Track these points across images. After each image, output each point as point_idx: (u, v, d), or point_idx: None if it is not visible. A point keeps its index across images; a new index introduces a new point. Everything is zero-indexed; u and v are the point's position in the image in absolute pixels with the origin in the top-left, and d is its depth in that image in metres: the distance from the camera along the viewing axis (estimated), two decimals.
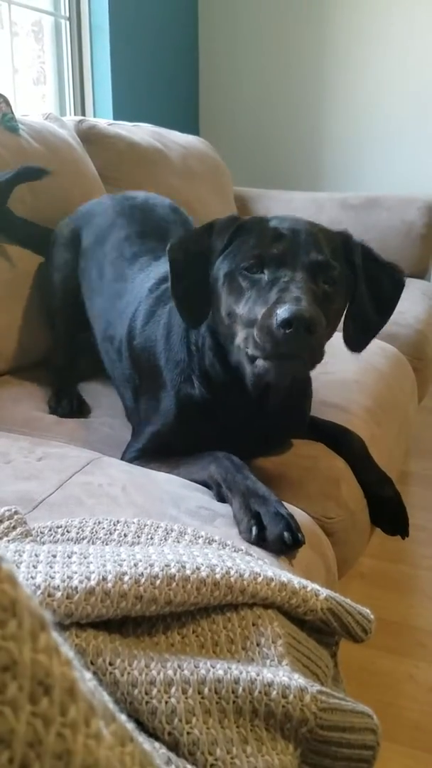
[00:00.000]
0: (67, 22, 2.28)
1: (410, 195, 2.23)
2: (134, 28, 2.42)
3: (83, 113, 2.33)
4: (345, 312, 0.94)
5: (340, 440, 1.05)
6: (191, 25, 2.92)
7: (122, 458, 0.99)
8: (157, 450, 0.99)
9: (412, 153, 2.80)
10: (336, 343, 1.42)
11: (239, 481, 0.84)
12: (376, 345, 1.50)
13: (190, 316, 0.94)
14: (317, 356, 0.84)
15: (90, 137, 1.64)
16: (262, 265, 0.86)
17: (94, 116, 2.32)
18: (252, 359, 0.85)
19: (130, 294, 1.18)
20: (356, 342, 0.97)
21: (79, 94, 2.32)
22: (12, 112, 1.38)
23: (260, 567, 0.60)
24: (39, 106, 2.29)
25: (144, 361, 1.08)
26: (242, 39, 2.94)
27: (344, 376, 1.28)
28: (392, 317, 1.68)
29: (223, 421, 0.99)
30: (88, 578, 0.54)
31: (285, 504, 0.80)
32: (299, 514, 0.85)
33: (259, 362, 0.84)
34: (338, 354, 1.38)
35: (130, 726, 0.32)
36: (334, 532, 0.92)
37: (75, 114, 2.31)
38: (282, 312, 0.78)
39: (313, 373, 1.28)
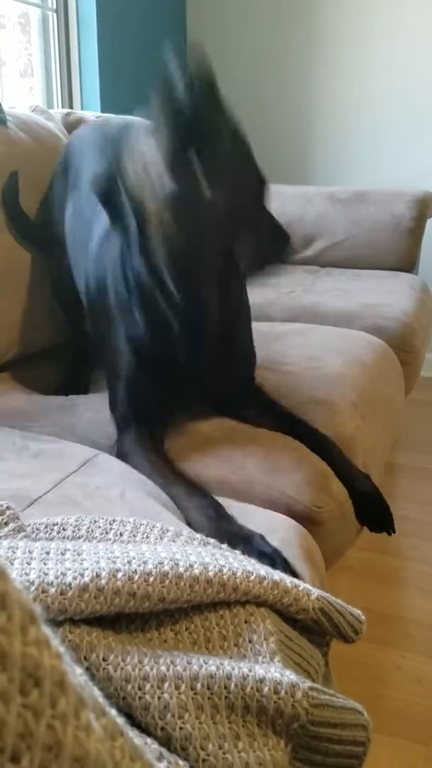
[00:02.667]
0: (55, 15, 2.26)
1: (398, 189, 2.24)
2: (122, 21, 2.40)
3: (71, 106, 2.31)
4: None
5: (314, 440, 1.05)
6: (179, 18, 2.90)
7: (116, 455, 0.99)
8: (137, 422, 1.01)
9: (400, 148, 2.81)
10: (323, 340, 1.44)
11: (223, 527, 0.84)
12: (362, 338, 1.51)
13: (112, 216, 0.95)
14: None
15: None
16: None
17: (82, 109, 2.30)
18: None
19: (93, 240, 1.15)
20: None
21: (67, 86, 2.31)
22: None
23: (253, 566, 0.61)
24: (26, 99, 2.27)
25: (99, 310, 1.08)
26: (231, 32, 2.92)
27: (330, 370, 1.29)
28: (379, 310, 1.72)
29: (170, 364, 1.01)
30: (82, 575, 0.54)
31: (268, 540, 0.79)
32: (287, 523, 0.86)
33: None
34: (325, 348, 1.41)
35: (120, 720, 0.32)
36: (323, 522, 0.92)
37: (63, 107, 2.29)
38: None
39: (299, 368, 1.30)
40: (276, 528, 0.84)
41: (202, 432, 1.05)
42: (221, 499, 0.89)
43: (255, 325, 1.20)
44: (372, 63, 2.78)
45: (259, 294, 1.89)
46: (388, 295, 1.86)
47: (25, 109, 1.52)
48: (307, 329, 1.54)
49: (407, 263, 2.18)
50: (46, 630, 0.26)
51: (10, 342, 1.34)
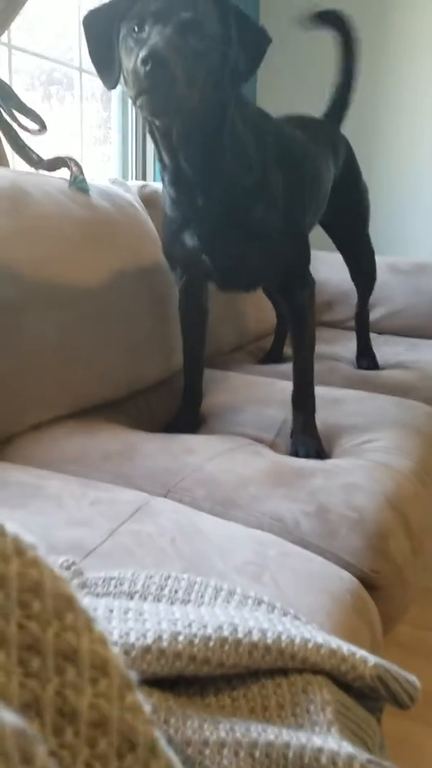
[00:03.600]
0: None
1: None
2: None
3: (144, 177, 2.44)
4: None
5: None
6: (249, 95, 3.05)
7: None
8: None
9: None
10: (380, 408, 1.43)
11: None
12: (421, 408, 1.49)
13: (104, 76, 1.11)
14: (185, 89, 0.97)
15: (151, 201, 1.73)
16: (144, 24, 1.00)
17: (154, 180, 2.43)
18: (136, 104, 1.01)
19: None
20: (231, 81, 1.10)
21: (141, 158, 2.44)
22: (83, 175, 1.47)
23: (310, 632, 0.61)
24: (104, 167, 2.41)
25: None
26: (298, 100, 3.05)
27: (389, 437, 1.28)
28: None
29: (194, 214, 1.22)
30: (145, 636, 0.55)
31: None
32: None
33: (137, 101, 0.98)
34: (383, 415, 1.40)
35: None
36: (380, 587, 0.92)
37: (136, 177, 2.42)
38: (141, 52, 0.93)
39: (355, 434, 1.30)
40: (333, 582, 0.83)
41: (243, 474, 1.08)
42: (276, 538, 0.91)
43: None
44: None
45: (315, 362, 1.92)
46: None
47: (105, 181, 1.63)
48: (365, 397, 1.54)
49: None
50: (140, 696, 0.28)
51: (117, 380, 1.44)
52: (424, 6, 2.81)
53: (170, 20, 0.98)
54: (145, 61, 0.92)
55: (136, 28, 1.00)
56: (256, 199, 1.20)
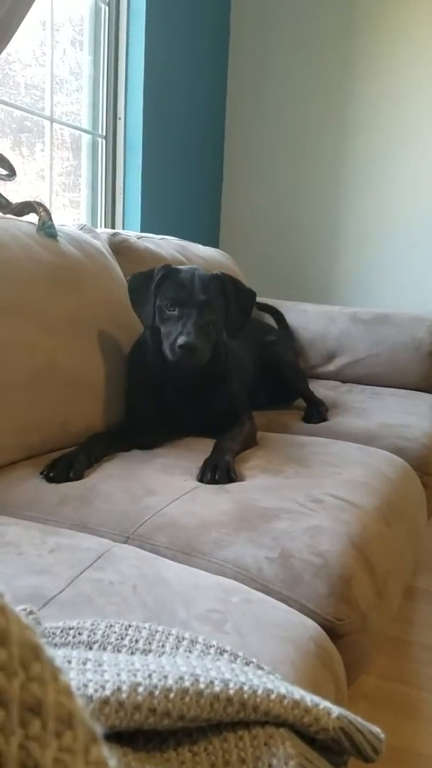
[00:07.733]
0: (104, 141, 2.46)
1: (419, 314, 2.32)
2: (165, 150, 2.60)
3: (113, 224, 2.48)
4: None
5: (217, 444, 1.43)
6: (218, 150, 3.14)
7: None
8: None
9: (421, 274, 2.93)
10: (343, 451, 1.45)
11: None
12: (383, 455, 1.52)
13: (142, 319, 1.49)
14: (206, 354, 1.43)
15: (121, 249, 1.76)
16: (174, 304, 1.41)
17: (123, 227, 2.47)
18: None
19: None
20: (230, 333, 1.52)
21: (111, 205, 2.48)
22: (51, 220, 1.48)
23: (272, 683, 0.60)
24: (72, 214, 2.44)
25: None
26: (263, 164, 3.15)
27: (352, 477, 1.30)
28: (399, 431, 1.74)
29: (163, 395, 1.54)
30: (103, 687, 0.54)
31: None
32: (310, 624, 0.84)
33: (171, 356, 1.41)
34: (346, 459, 1.42)
35: None
36: (344, 634, 0.90)
37: (106, 224, 2.45)
38: (179, 341, 1.36)
39: (321, 472, 1.31)
40: (297, 630, 0.82)
41: (205, 517, 1.07)
42: (239, 585, 0.90)
43: (274, 435, 1.28)
44: (399, 190, 2.95)
45: (282, 409, 1.93)
46: (408, 415, 1.88)
47: (74, 227, 1.64)
48: (329, 442, 1.56)
49: (427, 384, 2.22)
50: (105, 751, 0.28)
51: (81, 425, 1.44)
52: (385, 72, 2.96)
53: (193, 304, 1.40)
54: (181, 347, 1.35)
55: (168, 304, 1.41)
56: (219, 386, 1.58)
